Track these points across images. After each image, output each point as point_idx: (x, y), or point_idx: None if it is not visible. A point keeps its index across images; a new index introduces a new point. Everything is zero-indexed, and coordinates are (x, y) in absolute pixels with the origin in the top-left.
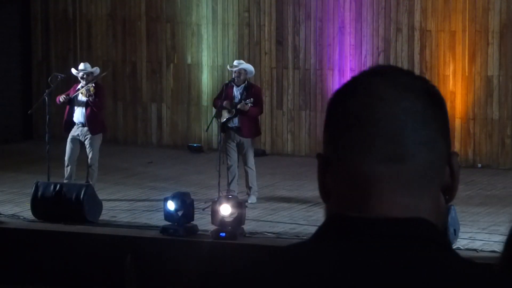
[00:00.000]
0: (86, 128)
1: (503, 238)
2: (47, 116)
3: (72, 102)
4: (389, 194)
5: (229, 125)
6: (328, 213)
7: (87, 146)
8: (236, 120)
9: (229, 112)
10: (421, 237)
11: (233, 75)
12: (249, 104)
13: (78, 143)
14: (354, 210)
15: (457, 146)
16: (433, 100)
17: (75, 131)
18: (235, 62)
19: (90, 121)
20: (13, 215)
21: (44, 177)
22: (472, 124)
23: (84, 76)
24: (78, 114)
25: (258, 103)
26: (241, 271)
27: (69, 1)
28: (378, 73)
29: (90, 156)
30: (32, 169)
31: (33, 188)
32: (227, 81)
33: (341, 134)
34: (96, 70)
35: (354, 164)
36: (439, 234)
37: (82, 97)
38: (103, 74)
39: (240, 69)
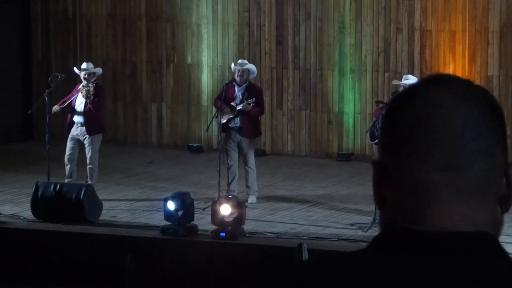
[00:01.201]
0: (84, 128)
1: (503, 238)
2: (47, 116)
3: (73, 102)
4: (446, 203)
5: (230, 125)
6: (384, 221)
7: (86, 146)
8: (237, 120)
9: (230, 112)
10: (485, 252)
11: (236, 74)
12: (252, 104)
13: (77, 142)
14: (412, 220)
15: None
16: (491, 110)
17: (74, 131)
18: (240, 61)
19: (88, 122)
20: (13, 215)
21: (44, 177)
22: None
23: (86, 76)
24: (78, 114)
25: (259, 104)
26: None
27: (69, 1)
28: (437, 81)
29: (89, 156)
30: (32, 169)
31: (33, 188)
32: (227, 81)
33: (399, 142)
34: (99, 70)
35: (411, 172)
36: (501, 247)
37: (81, 98)
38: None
39: (244, 69)
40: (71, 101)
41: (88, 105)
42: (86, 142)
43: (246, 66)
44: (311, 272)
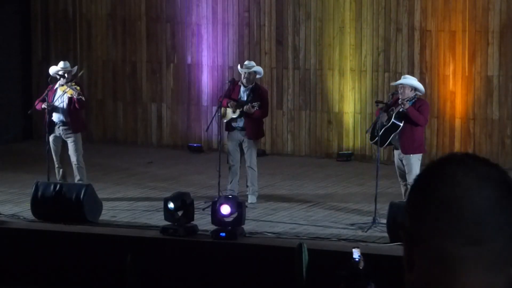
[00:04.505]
0: (67, 127)
1: None
2: (47, 116)
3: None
4: (470, 274)
5: (233, 125)
6: (411, 285)
7: (70, 145)
8: (240, 120)
9: (233, 112)
10: None
11: (243, 76)
12: (256, 107)
13: (60, 142)
14: (440, 287)
15: (457, 146)
16: (508, 188)
17: (56, 131)
18: (247, 63)
19: (73, 119)
20: (13, 215)
21: (44, 177)
22: (472, 124)
23: (65, 75)
24: (59, 113)
25: (264, 106)
26: None
27: (69, 1)
28: (460, 163)
29: (75, 154)
30: (32, 169)
31: (33, 188)
32: (231, 78)
33: (429, 218)
34: (75, 69)
35: (439, 245)
36: None
37: (64, 97)
38: (80, 73)
39: (251, 71)
40: (46, 100)
41: (76, 104)
42: (69, 140)
43: (253, 69)
44: None
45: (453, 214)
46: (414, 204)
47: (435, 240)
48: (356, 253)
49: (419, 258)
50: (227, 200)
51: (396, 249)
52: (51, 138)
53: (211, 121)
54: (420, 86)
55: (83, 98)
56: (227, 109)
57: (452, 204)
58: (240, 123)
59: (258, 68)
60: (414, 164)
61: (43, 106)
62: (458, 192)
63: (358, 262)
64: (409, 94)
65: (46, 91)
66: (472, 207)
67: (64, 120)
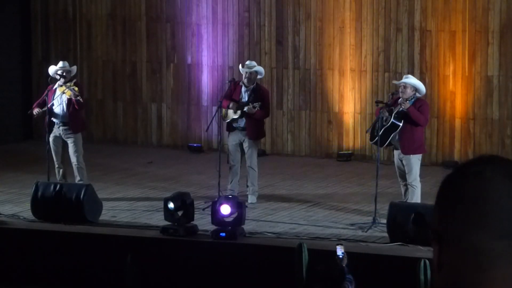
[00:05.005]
0: (67, 127)
1: None
2: (47, 116)
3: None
4: (500, 268)
5: (234, 125)
6: (439, 285)
7: (70, 145)
8: (241, 121)
9: (234, 112)
10: None
11: (244, 76)
12: (257, 108)
13: (61, 142)
14: (468, 285)
15: (457, 146)
16: None
17: (56, 131)
18: (248, 63)
19: (73, 120)
20: (13, 215)
21: (44, 177)
22: (472, 124)
23: (64, 74)
24: (58, 114)
25: (265, 107)
26: None
27: (69, 1)
28: (487, 162)
29: (76, 155)
30: (32, 169)
31: (33, 188)
32: (231, 78)
33: (456, 215)
34: (74, 69)
35: (470, 240)
36: None
37: (63, 97)
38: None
39: (252, 71)
40: (46, 101)
41: (75, 105)
42: (70, 141)
43: (254, 69)
44: None
45: (482, 209)
46: (443, 204)
47: (465, 236)
48: (339, 250)
49: (448, 258)
50: (227, 200)
51: (396, 249)
52: (51, 138)
53: (211, 121)
54: (422, 87)
55: (81, 99)
56: (229, 110)
57: (480, 199)
58: (241, 123)
59: (259, 68)
60: (414, 164)
61: (35, 112)
62: (486, 187)
63: (342, 259)
64: (410, 93)
65: (46, 92)
66: (501, 202)
67: (64, 120)
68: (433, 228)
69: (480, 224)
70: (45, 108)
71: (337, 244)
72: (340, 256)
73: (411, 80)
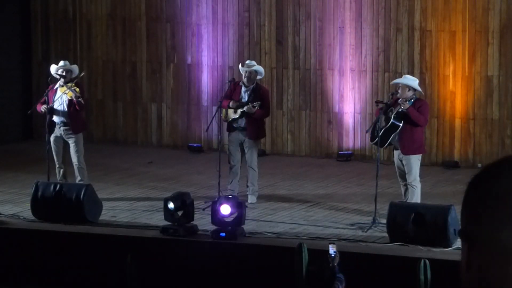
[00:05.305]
0: (68, 127)
1: None
2: (47, 116)
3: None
4: None
5: (234, 125)
6: (468, 284)
7: (72, 145)
8: (242, 120)
9: (234, 112)
10: None
11: (244, 76)
12: (256, 107)
13: (61, 142)
14: (497, 283)
15: (457, 146)
16: None
17: (57, 131)
18: (248, 62)
19: (74, 120)
20: (13, 215)
21: (44, 177)
22: (472, 124)
23: (64, 73)
24: (59, 114)
25: (265, 106)
26: None
27: (69, 1)
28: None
29: (77, 155)
30: (32, 169)
31: (33, 188)
32: (231, 78)
33: (484, 213)
34: (75, 68)
35: (496, 238)
36: None
37: (64, 98)
38: (81, 75)
39: (251, 70)
40: (47, 101)
41: (76, 105)
42: (71, 141)
43: (254, 68)
44: None
45: (510, 206)
46: (470, 204)
47: (494, 234)
48: (331, 249)
49: (477, 257)
50: (227, 200)
51: (396, 249)
52: (52, 138)
53: (211, 121)
54: (417, 87)
55: (82, 100)
56: (229, 110)
57: (507, 196)
58: (241, 123)
59: (259, 67)
60: (414, 164)
61: (42, 109)
62: None
63: (334, 257)
64: (407, 94)
65: (46, 91)
66: None
67: (65, 120)
68: (461, 229)
69: (509, 223)
70: (44, 109)
71: (330, 243)
72: (332, 255)
73: (406, 80)
